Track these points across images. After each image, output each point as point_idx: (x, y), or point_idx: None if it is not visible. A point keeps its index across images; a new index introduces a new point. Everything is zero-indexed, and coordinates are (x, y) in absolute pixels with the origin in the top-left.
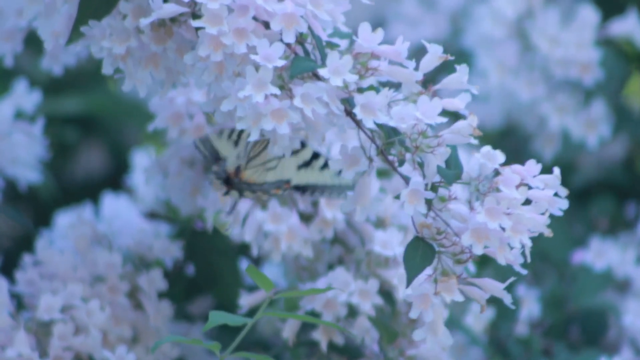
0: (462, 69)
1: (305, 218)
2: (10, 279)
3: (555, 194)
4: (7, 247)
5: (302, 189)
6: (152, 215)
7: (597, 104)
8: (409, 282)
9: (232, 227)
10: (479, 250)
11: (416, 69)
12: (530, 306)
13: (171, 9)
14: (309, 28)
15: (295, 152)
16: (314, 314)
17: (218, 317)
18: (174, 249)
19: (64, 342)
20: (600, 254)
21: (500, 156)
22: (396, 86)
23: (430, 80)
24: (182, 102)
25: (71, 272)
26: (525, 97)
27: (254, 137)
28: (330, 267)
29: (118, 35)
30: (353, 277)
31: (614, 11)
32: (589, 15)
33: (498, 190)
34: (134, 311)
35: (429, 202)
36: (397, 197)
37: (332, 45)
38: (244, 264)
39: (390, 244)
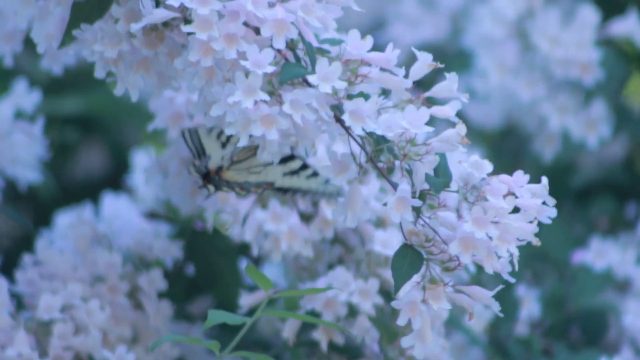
0: (451, 77)
1: (306, 218)
2: (10, 278)
3: (544, 203)
4: (7, 247)
5: (284, 190)
6: (152, 215)
7: (597, 104)
8: (397, 289)
9: (232, 227)
10: (466, 260)
11: (406, 76)
12: (530, 306)
13: (162, 14)
14: (300, 34)
15: (283, 162)
16: (314, 313)
17: (217, 316)
18: (174, 249)
19: (63, 342)
20: (601, 254)
21: (488, 166)
22: (387, 93)
23: (427, 85)
24: (182, 102)
25: (71, 272)
26: (526, 97)
27: (243, 142)
28: (331, 266)
29: (110, 39)
30: (353, 276)
31: (614, 11)
32: (589, 15)
33: (485, 199)
34: (134, 311)
35: (417, 210)
36: (385, 203)
37: (323, 52)
38: (244, 264)
39: (390, 243)
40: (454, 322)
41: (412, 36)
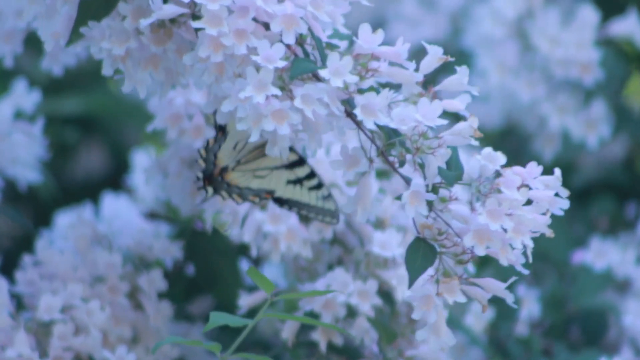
0: (462, 71)
1: (305, 219)
2: (10, 279)
3: (556, 194)
4: (7, 247)
5: (282, 201)
6: (152, 216)
7: (597, 104)
8: (411, 283)
9: (231, 227)
10: (481, 252)
11: (416, 70)
12: (530, 306)
13: (171, 10)
14: (309, 29)
15: (291, 167)
16: (313, 314)
17: (219, 318)
18: (174, 249)
19: (64, 343)
20: (601, 254)
21: (501, 158)
22: (396, 87)
23: (430, 81)
24: (181, 103)
25: (71, 272)
26: (526, 98)
27: (254, 137)
28: (330, 267)
29: (117, 36)
30: (352, 277)
31: (614, 11)
32: (589, 15)
33: (499, 191)
34: (134, 311)
35: (429, 203)
36: (398, 198)
37: (332, 47)
38: (244, 264)
39: (389, 244)
40: (453, 322)
41: (412, 36)
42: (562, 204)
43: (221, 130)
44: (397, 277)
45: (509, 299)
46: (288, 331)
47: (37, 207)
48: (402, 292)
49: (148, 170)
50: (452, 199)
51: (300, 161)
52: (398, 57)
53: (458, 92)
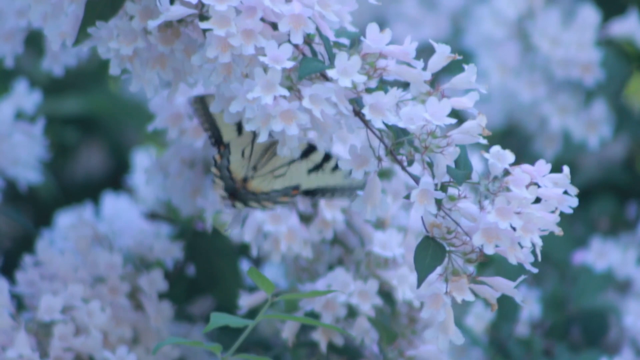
0: (470, 68)
1: (305, 219)
2: (11, 279)
3: (565, 192)
4: (8, 248)
5: (311, 192)
6: (152, 216)
7: (598, 104)
8: (420, 281)
9: (231, 227)
10: (490, 250)
11: (424, 68)
12: (531, 307)
13: (179, 11)
14: (317, 29)
15: (305, 155)
16: (313, 314)
17: (219, 319)
18: (174, 250)
19: (64, 343)
20: (601, 255)
21: (510, 156)
22: (403, 86)
23: (433, 80)
24: (182, 103)
25: (72, 272)
26: (526, 98)
27: (262, 138)
28: (330, 267)
29: (125, 36)
30: (353, 277)
31: (615, 11)
32: (590, 15)
33: (508, 189)
34: (134, 312)
35: (438, 202)
36: (407, 196)
37: (340, 46)
38: (244, 265)
39: (389, 245)
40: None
41: (413, 36)
42: (571, 202)
43: (221, 144)
44: (398, 277)
45: (518, 297)
46: (288, 331)
47: (37, 208)
48: (402, 292)
49: (148, 171)
50: (461, 197)
51: (312, 147)
52: (406, 56)
53: (463, 91)
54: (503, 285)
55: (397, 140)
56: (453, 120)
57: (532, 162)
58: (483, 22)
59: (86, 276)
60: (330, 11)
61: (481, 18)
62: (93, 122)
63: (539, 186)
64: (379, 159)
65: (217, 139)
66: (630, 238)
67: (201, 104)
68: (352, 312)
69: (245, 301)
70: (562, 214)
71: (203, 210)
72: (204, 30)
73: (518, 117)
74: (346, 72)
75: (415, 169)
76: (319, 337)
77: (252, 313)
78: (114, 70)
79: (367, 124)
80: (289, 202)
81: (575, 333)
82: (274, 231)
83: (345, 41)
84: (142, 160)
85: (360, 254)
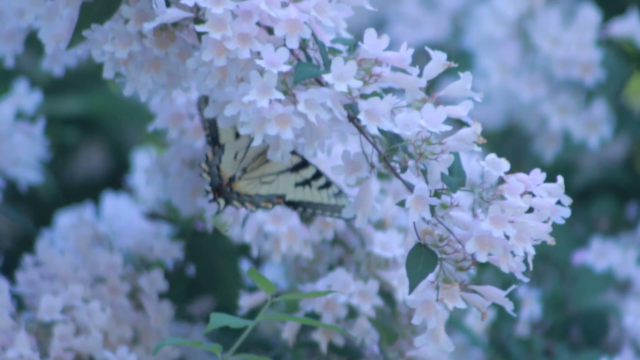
0: (465, 76)
1: (306, 219)
2: (11, 279)
3: (558, 202)
4: (8, 248)
5: (295, 204)
6: (152, 216)
7: (598, 104)
8: (412, 288)
9: (232, 227)
10: (482, 258)
11: (420, 75)
12: (531, 307)
13: (175, 14)
14: (312, 34)
15: (296, 169)
16: (314, 315)
17: (219, 320)
18: (174, 250)
19: (64, 343)
20: (601, 255)
21: (505, 164)
22: (397, 92)
23: (432, 84)
24: (182, 103)
25: (72, 272)
26: (527, 98)
27: (257, 142)
28: (331, 268)
29: (120, 39)
30: (353, 278)
31: (615, 11)
32: (590, 15)
33: (502, 198)
34: (134, 312)
35: (431, 209)
36: (401, 203)
37: (335, 51)
38: (244, 265)
39: (390, 245)
40: (454, 323)
41: (413, 36)
42: (564, 213)
43: (216, 144)
44: (398, 278)
45: (509, 307)
46: (289, 331)
47: (37, 208)
48: (403, 293)
49: (149, 171)
50: (454, 205)
51: (304, 163)
52: (402, 63)
53: (461, 97)
54: (494, 294)
55: (391, 146)
56: (449, 127)
57: (532, 162)
58: (483, 22)
59: (86, 276)
60: (326, 17)
61: (481, 18)
62: (93, 122)
63: (533, 195)
64: (372, 166)
65: (213, 139)
66: (630, 238)
67: (206, 103)
68: (352, 313)
69: (246, 301)
70: (562, 222)
71: (203, 210)
72: (200, 34)
73: (518, 117)
74: (342, 77)
75: (409, 176)
76: (320, 338)
77: (252, 313)
78: (107, 73)
79: (361, 130)
80: (271, 209)
81: (575, 333)
82: (274, 231)
83: (340, 47)
84: (142, 160)
85: (361, 255)
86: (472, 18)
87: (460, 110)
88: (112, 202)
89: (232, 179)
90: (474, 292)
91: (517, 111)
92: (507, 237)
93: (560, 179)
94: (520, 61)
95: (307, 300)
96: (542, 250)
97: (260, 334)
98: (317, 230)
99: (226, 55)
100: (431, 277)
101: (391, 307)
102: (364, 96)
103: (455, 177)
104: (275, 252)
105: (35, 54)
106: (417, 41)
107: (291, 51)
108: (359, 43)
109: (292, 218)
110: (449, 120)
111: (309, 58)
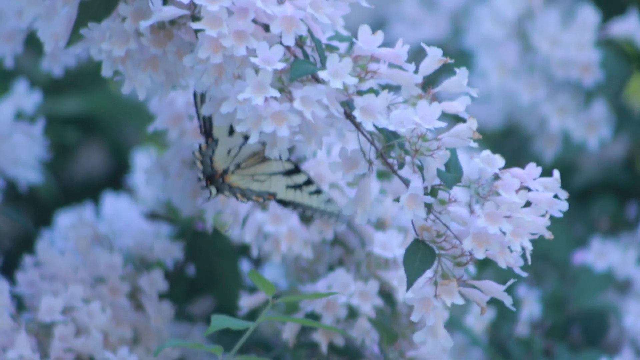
0: (461, 72)
1: (306, 219)
2: (11, 279)
3: (555, 196)
4: (8, 248)
5: (285, 203)
6: (152, 216)
7: (597, 104)
8: (410, 285)
9: (231, 228)
10: (480, 255)
11: (416, 72)
12: (531, 307)
13: (171, 12)
14: (309, 31)
15: (288, 174)
16: (314, 315)
17: (221, 321)
18: (174, 250)
19: (65, 344)
20: (601, 255)
21: (500, 160)
22: (395, 89)
23: (430, 82)
24: (182, 103)
25: (72, 273)
26: (526, 99)
27: (253, 139)
28: (331, 268)
29: (117, 37)
30: (353, 278)
31: (615, 11)
32: (589, 15)
33: (498, 194)
34: (134, 312)
35: (428, 206)
36: (397, 200)
37: (332, 48)
38: (244, 265)
39: (390, 245)
40: (454, 323)
41: (412, 36)
42: (561, 206)
43: (210, 136)
44: (398, 278)
45: (508, 301)
46: (289, 332)
47: (37, 208)
48: (403, 293)
49: (149, 171)
50: (451, 201)
51: (297, 169)
52: (397, 59)
53: (458, 94)
54: (493, 288)
55: (388, 143)
56: (443, 124)
57: (531, 162)
58: (483, 22)
59: (86, 276)
60: (322, 14)
61: (481, 18)
62: (93, 122)
63: (529, 190)
64: (370, 162)
65: (207, 131)
66: (630, 238)
67: (202, 98)
68: (352, 313)
69: (246, 302)
70: (562, 214)
71: (203, 211)
72: (196, 31)
73: (518, 117)
74: (338, 74)
75: (406, 172)
76: (320, 338)
77: (252, 313)
78: (106, 72)
79: (358, 126)
80: (261, 203)
81: (575, 333)
82: (274, 232)
83: (337, 44)
84: (142, 160)
85: (361, 255)
86: (471, 18)
87: (457, 106)
88: (112, 202)
89: (225, 172)
90: (473, 287)
91: (517, 112)
92: (504, 233)
93: (556, 173)
94: (520, 62)
95: (308, 300)
96: (542, 250)
97: (260, 335)
98: (317, 230)
99: (222, 52)
100: (429, 273)
101: (391, 307)
102: (360, 93)
103: (451, 173)
104: (275, 253)
105: (35, 54)
106: (417, 41)
107: (287, 48)
108: (354, 40)
109: (292, 218)
110: (447, 117)
111: (306, 55)
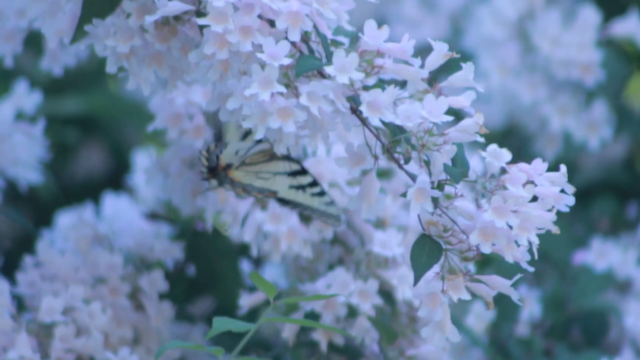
0: (468, 67)
1: (305, 218)
2: (11, 280)
3: (562, 191)
4: (8, 248)
5: (285, 201)
6: (153, 216)
7: (598, 105)
8: (417, 280)
9: (231, 227)
10: (487, 249)
11: (422, 66)
12: (531, 307)
13: (176, 7)
14: (314, 26)
15: (293, 175)
16: (313, 314)
17: (222, 324)
18: (174, 250)
19: (65, 344)
20: (602, 255)
21: (507, 154)
22: (401, 84)
23: (432, 79)
24: (182, 103)
25: (72, 273)
26: (527, 99)
27: (259, 135)
28: (330, 267)
29: (122, 33)
30: (353, 277)
31: (615, 11)
32: (590, 15)
33: (505, 188)
34: (135, 312)
35: (435, 200)
36: (403, 194)
37: (337, 44)
38: (244, 265)
39: (389, 244)
40: (454, 323)
41: (412, 37)
42: (568, 201)
43: (220, 140)
44: (398, 277)
45: (514, 296)
46: (289, 331)
47: (37, 208)
48: (402, 292)
49: (149, 171)
50: (458, 195)
51: (303, 171)
52: (404, 54)
53: (462, 89)
54: (499, 283)
55: (394, 138)
56: (450, 118)
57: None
58: (483, 22)
59: (87, 277)
60: (328, 9)
61: (481, 18)
62: (93, 122)
63: (535, 185)
64: (376, 157)
65: (218, 137)
66: (630, 238)
67: (212, 116)
68: (352, 312)
69: (246, 301)
70: (562, 214)
71: (203, 210)
72: (201, 27)
73: (518, 117)
74: (344, 69)
75: (412, 167)
76: (319, 337)
77: (252, 313)
78: (110, 68)
79: (364, 121)
80: (261, 200)
81: (575, 333)
82: (274, 231)
83: (342, 39)
84: (142, 160)
85: (361, 254)
86: (472, 18)
87: (462, 101)
88: (112, 202)
89: (229, 166)
90: (480, 282)
91: (518, 112)
92: (511, 227)
93: (563, 167)
94: (521, 62)
95: None
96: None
97: (260, 334)
98: (316, 229)
99: (228, 48)
100: (436, 268)
101: (391, 306)
102: (366, 88)
103: (458, 168)
104: (274, 252)
105: (35, 54)
106: (417, 41)
107: (293, 44)
108: (360, 35)
109: (292, 217)
110: (453, 112)
111: (311, 50)
